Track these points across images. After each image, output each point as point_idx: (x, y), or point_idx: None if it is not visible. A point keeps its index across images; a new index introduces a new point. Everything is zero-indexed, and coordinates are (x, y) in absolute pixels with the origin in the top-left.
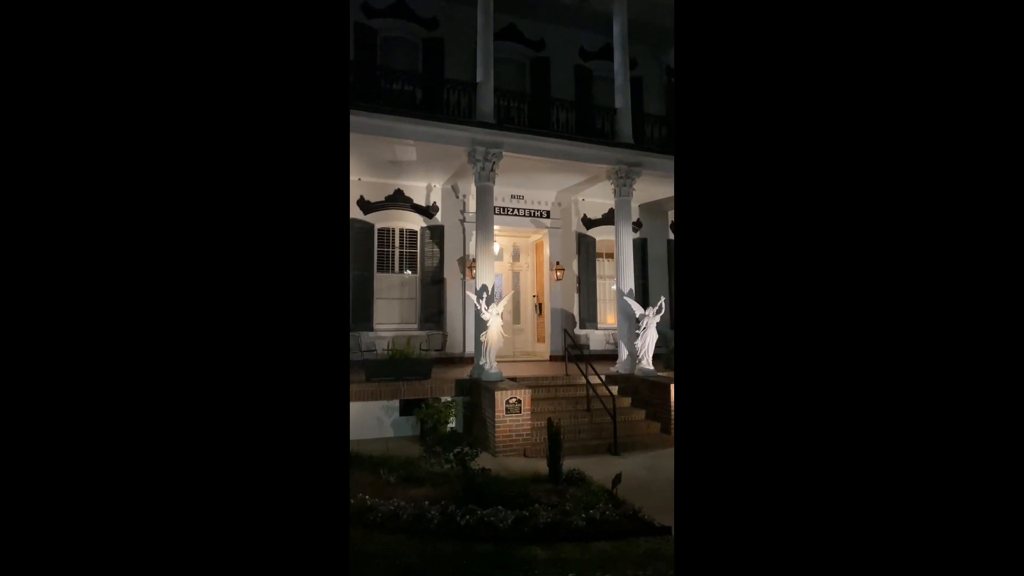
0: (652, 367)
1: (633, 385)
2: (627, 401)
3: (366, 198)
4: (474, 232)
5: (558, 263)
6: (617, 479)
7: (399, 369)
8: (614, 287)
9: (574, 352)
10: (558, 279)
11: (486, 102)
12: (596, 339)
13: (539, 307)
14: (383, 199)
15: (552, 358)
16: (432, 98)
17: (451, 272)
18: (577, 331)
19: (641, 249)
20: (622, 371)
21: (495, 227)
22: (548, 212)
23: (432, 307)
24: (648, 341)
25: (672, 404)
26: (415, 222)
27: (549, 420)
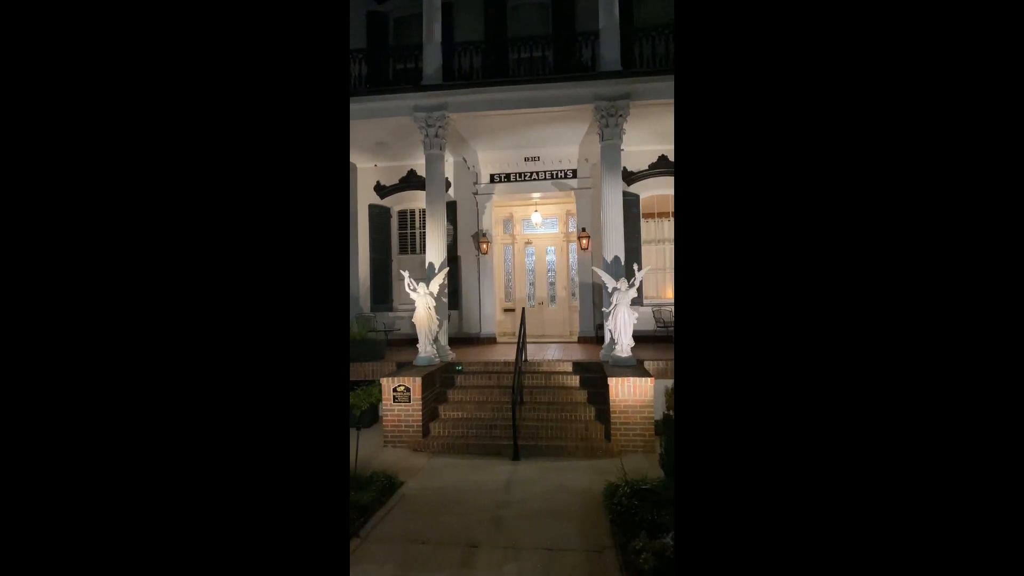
0: (628, 354)
1: (602, 376)
2: (583, 395)
3: (382, 182)
4: (487, 205)
5: (583, 230)
6: None
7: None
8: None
9: (601, 333)
10: (584, 248)
11: (431, 63)
12: (641, 317)
13: None
14: (398, 181)
15: (581, 340)
16: (448, 66)
17: (465, 249)
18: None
19: None
20: (604, 357)
21: (535, 194)
22: (574, 171)
23: (447, 286)
24: (619, 322)
25: (611, 402)
26: None
27: None
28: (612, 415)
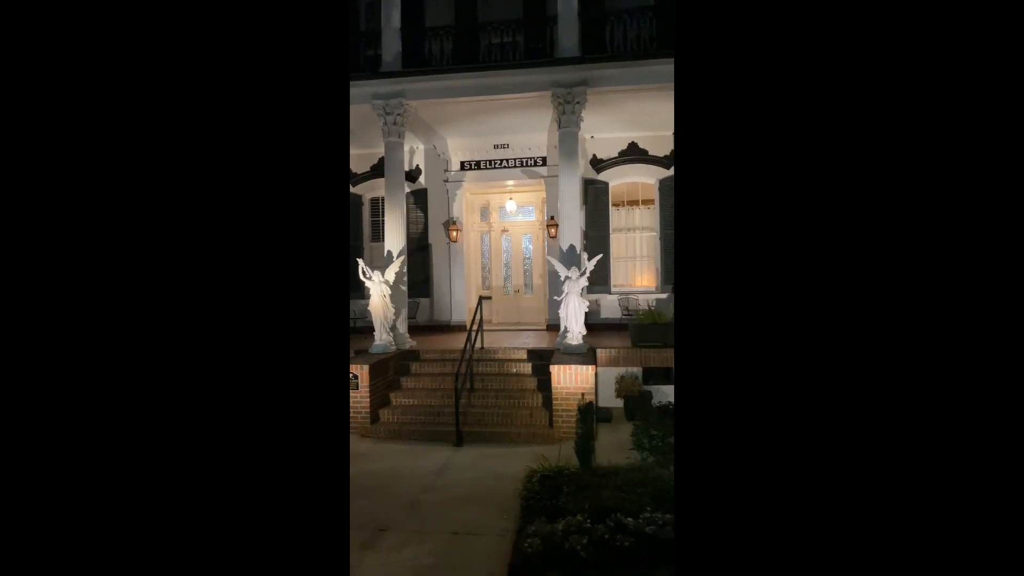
0: (579, 341)
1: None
2: (533, 383)
3: (353, 170)
4: (457, 192)
5: (552, 218)
6: None
7: None
8: (646, 234)
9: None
10: (552, 237)
11: (389, 49)
12: (608, 305)
13: None
14: (368, 169)
15: (549, 327)
16: (415, 52)
17: (436, 237)
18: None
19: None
20: (558, 345)
21: (509, 182)
22: (544, 159)
23: (418, 275)
24: (571, 311)
25: (553, 389)
26: None
27: None
28: (554, 402)
